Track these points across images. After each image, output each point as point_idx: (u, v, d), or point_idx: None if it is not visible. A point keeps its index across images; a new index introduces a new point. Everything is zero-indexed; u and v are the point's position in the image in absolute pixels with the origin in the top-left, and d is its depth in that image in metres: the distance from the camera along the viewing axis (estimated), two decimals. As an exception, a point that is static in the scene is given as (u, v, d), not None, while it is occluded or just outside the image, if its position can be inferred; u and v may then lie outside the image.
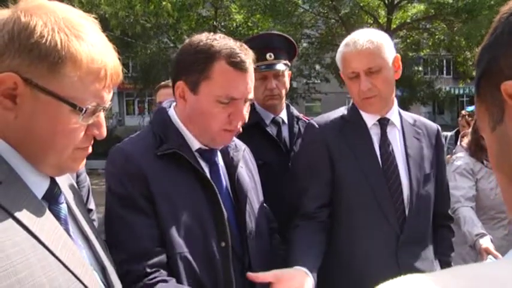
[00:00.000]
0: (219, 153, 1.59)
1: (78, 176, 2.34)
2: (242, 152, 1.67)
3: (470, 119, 4.39)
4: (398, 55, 1.91)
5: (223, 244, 1.44)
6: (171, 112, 1.55)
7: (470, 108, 5.29)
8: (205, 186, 1.45)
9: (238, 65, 1.42)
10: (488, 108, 0.59)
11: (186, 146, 1.47)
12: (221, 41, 1.45)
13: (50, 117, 0.87)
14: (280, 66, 2.40)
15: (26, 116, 0.86)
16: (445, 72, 33.69)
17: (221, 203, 1.45)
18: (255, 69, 2.40)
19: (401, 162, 1.90)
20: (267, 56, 2.36)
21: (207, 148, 1.53)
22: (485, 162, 2.96)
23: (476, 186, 2.89)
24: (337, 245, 1.87)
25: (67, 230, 0.93)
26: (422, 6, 17.67)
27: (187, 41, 1.52)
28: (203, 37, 1.47)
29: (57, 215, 0.92)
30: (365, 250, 1.83)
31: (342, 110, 2.03)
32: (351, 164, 1.87)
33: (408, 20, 18.65)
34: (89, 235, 1.04)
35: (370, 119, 1.93)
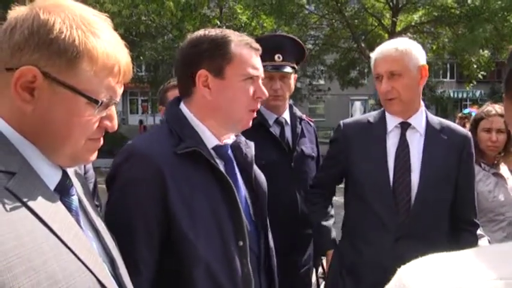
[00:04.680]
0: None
1: (86, 173, 2.37)
2: (253, 148, 1.67)
3: (466, 121, 4.36)
4: (426, 65, 2.05)
5: (241, 243, 1.43)
6: (184, 109, 1.52)
7: (467, 110, 5.27)
8: (222, 185, 1.43)
9: (251, 45, 1.50)
10: None
11: (203, 144, 1.46)
12: (228, 30, 1.53)
13: (66, 110, 0.91)
14: (288, 68, 2.42)
15: (43, 109, 0.89)
16: (448, 75, 33.63)
17: (239, 202, 1.44)
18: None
19: (417, 166, 2.03)
20: (276, 57, 2.38)
21: (221, 144, 1.53)
22: (482, 165, 2.97)
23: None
24: (345, 233, 2.23)
25: (78, 222, 0.95)
26: (427, 8, 17.62)
27: (193, 35, 1.53)
28: (209, 29, 1.53)
29: (68, 207, 0.94)
30: (366, 240, 2.06)
31: (373, 113, 2.26)
32: (363, 161, 2.10)
33: (413, 23, 18.62)
34: (99, 227, 1.06)
35: (392, 122, 2.11)
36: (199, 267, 1.36)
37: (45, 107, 0.89)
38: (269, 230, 1.64)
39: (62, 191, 0.96)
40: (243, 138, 1.66)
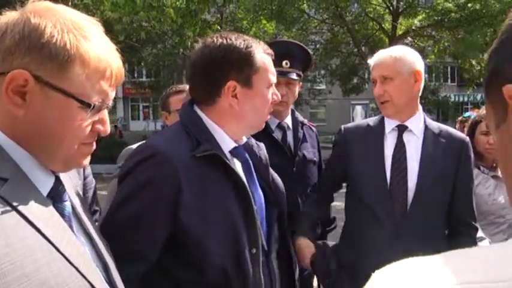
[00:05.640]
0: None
1: (85, 178, 2.37)
2: (265, 150, 1.69)
3: (466, 124, 4.36)
4: (420, 70, 2.12)
5: (254, 251, 1.43)
6: (200, 113, 1.51)
7: (467, 114, 5.27)
8: (238, 189, 1.43)
9: (268, 52, 1.54)
10: (494, 107, 0.63)
11: (220, 148, 1.45)
12: (247, 38, 1.54)
13: (59, 114, 0.90)
14: (294, 75, 2.43)
15: (35, 113, 0.89)
16: (449, 79, 33.65)
17: (254, 209, 1.44)
18: None
19: (414, 167, 2.09)
20: (283, 63, 2.39)
21: (237, 145, 1.53)
22: (481, 168, 2.96)
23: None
24: (344, 231, 2.29)
25: (71, 227, 0.95)
26: (426, 12, 17.69)
27: (212, 43, 1.50)
28: (229, 36, 1.51)
29: (61, 212, 0.94)
30: (363, 238, 2.12)
31: (374, 118, 2.33)
32: (362, 163, 2.16)
33: (413, 27, 18.67)
34: (91, 232, 1.05)
35: (389, 125, 2.18)
36: (212, 273, 1.36)
37: (37, 111, 0.89)
38: (286, 229, 1.66)
39: (55, 197, 0.95)
40: (253, 141, 1.66)
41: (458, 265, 0.53)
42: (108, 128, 1.01)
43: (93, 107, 0.94)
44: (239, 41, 1.48)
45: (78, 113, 0.92)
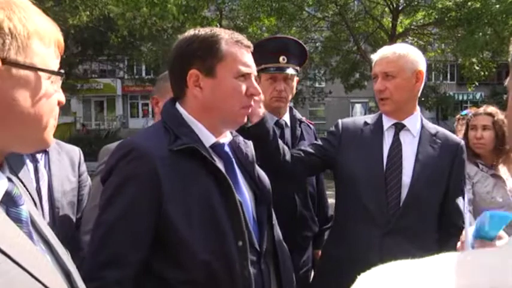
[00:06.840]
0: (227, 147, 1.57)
1: (80, 175, 2.36)
2: (252, 147, 1.66)
3: (463, 122, 4.40)
4: (423, 70, 2.14)
5: (240, 243, 1.40)
6: (180, 109, 1.50)
7: (465, 112, 5.31)
8: (220, 183, 1.41)
9: (242, 42, 1.50)
10: None
11: (200, 142, 1.44)
12: (218, 29, 1.53)
13: (32, 92, 0.85)
14: (291, 70, 2.44)
15: (8, 98, 0.82)
16: (449, 77, 33.64)
17: (237, 200, 1.42)
18: (265, 69, 2.45)
19: (409, 164, 2.11)
20: (280, 58, 2.40)
21: (219, 142, 1.51)
22: (480, 166, 2.96)
23: (472, 190, 2.89)
24: (334, 226, 2.28)
25: (29, 233, 0.86)
26: (426, 10, 17.66)
27: (183, 35, 1.52)
28: (200, 28, 1.52)
29: (17, 218, 0.84)
30: (354, 233, 2.10)
31: (371, 115, 2.34)
32: (358, 158, 2.14)
33: (413, 26, 18.65)
34: (50, 239, 0.95)
35: (387, 122, 2.20)
36: (198, 269, 1.34)
37: (9, 96, 0.81)
38: (276, 228, 1.62)
39: (8, 202, 0.85)
40: (241, 138, 1.64)
41: (446, 271, 0.51)
42: (63, 96, 0.96)
43: (62, 74, 0.90)
44: (207, 31, 1.49)
45: (47, 86, 0.87)
